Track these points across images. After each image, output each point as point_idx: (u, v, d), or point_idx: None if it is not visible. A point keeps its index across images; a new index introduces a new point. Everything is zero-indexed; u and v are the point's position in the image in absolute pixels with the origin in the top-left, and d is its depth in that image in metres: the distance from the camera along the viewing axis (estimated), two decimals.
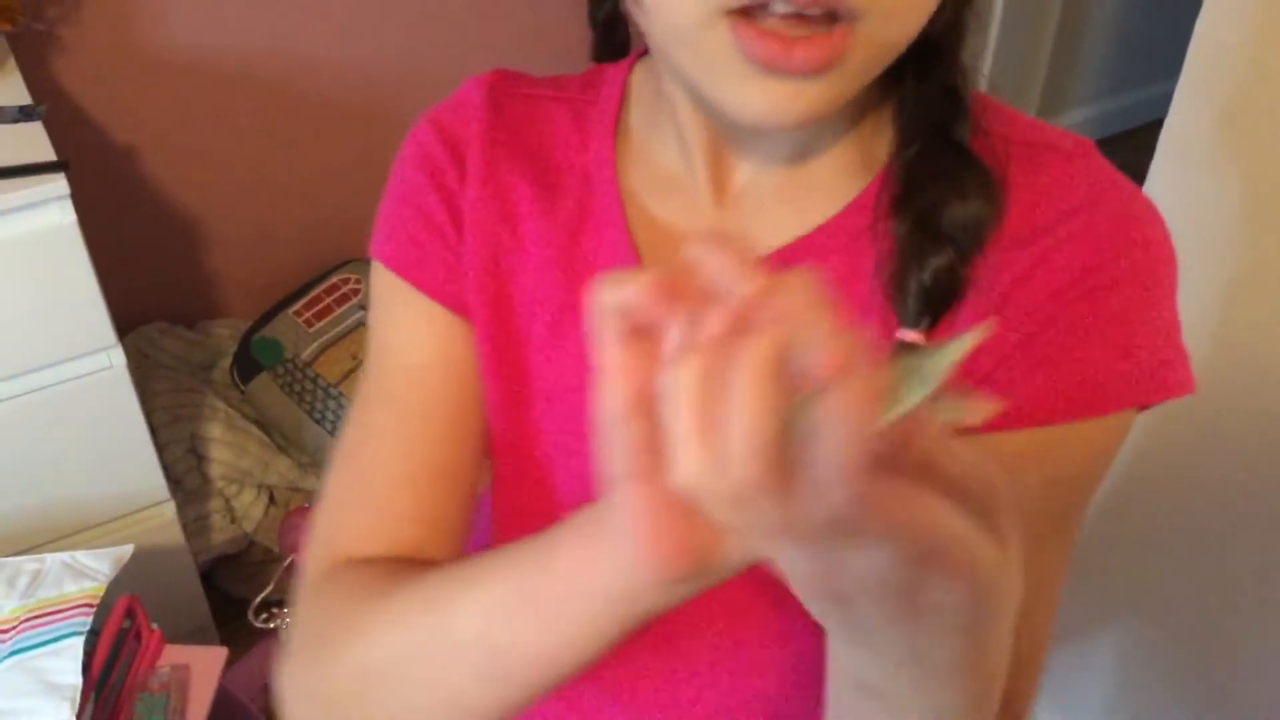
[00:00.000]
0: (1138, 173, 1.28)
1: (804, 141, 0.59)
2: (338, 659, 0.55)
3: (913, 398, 0.32)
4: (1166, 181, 1.17)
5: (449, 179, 0.65)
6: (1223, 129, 1.10)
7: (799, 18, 0.46)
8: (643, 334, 0.36)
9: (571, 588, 0.45)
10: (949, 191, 0.54)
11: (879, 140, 0.59)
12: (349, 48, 1.87)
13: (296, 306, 1.89)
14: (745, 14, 0.46)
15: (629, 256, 0.61)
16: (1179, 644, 1.39)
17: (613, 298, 0.36)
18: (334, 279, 1.92)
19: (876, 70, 0.51)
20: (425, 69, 1.91)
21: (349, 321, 1.87)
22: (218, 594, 1.72)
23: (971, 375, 0.55)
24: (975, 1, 0.56)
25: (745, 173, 0.60)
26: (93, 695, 1.04)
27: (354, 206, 1.99)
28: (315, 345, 1.83)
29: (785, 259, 0.58)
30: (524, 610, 0.47)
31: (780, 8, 0.46)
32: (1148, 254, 0.55)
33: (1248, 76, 1.05)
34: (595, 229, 0.63)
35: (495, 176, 0.65)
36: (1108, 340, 0.54)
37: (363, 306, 1.88)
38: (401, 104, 1.94)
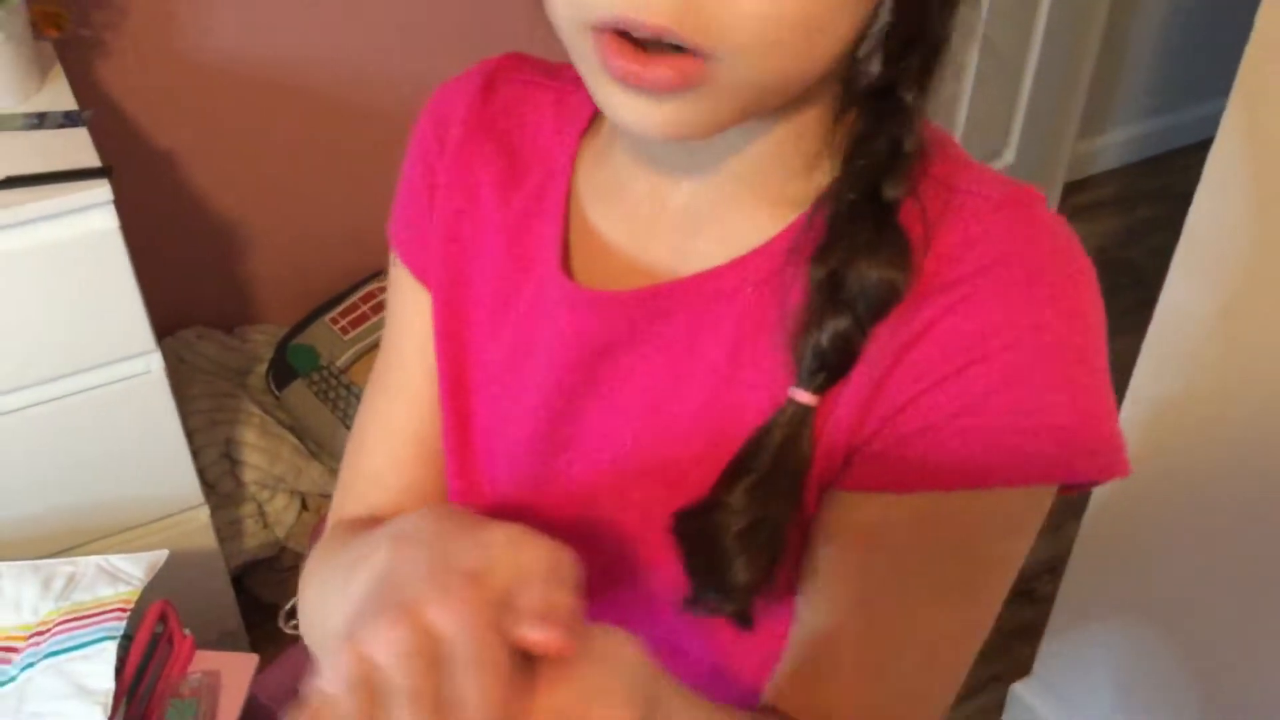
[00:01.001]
0: (1182, 195, 1.27)
1: (737, 166, 0.57)
2: (302, 612, 0.69)
3: None
4: (1214, 203, 1.16)
5: (432, 157, 0.68)
6: (1273, 150, 1.08)
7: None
8: None
9: None
10: (861, 255, 0.52)
11: (817, 174, 0.57)
12: (391, 58, 1.87)
13: (333, 314, 1.89)
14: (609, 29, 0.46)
15: (555, 260, 0.62)
16: (1182, 644, 1.38)
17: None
18: (370, 287, 1.93)
19: (754, 103, 0.50)
20: None
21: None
22: (248, 599, 1.72)
23: (861, 431, 0.54)
24: (938, 52, 0.53)
25: (683, 191, 0.59)
26: (124, 700, 1.05)
27: None
28: (350, 353, 1.84)
29: (703, 285, 0.58)
30: None
31: (634, 34, 0.45)
32: (1067, 324, 0.52)
33: None
34: (539, 224, 0.64)
35: (469, 158, 0.66)
36: (1007, 408, 0.51)
37: None
38: None
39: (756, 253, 0.57)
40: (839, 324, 0.52)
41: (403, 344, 0.70)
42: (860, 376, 0.53)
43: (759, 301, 0.56)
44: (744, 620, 0.57)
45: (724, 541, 0.54)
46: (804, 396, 0.53)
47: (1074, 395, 0.51)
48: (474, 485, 0.69)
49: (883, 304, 0.52)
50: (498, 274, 0.65)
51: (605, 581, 0.63)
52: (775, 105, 0.52)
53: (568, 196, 0.63)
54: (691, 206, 0.59)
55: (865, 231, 0.52)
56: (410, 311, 0.70)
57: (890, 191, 0.53)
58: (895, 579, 0.55)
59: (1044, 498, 0.55)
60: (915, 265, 0.52)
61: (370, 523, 0.68)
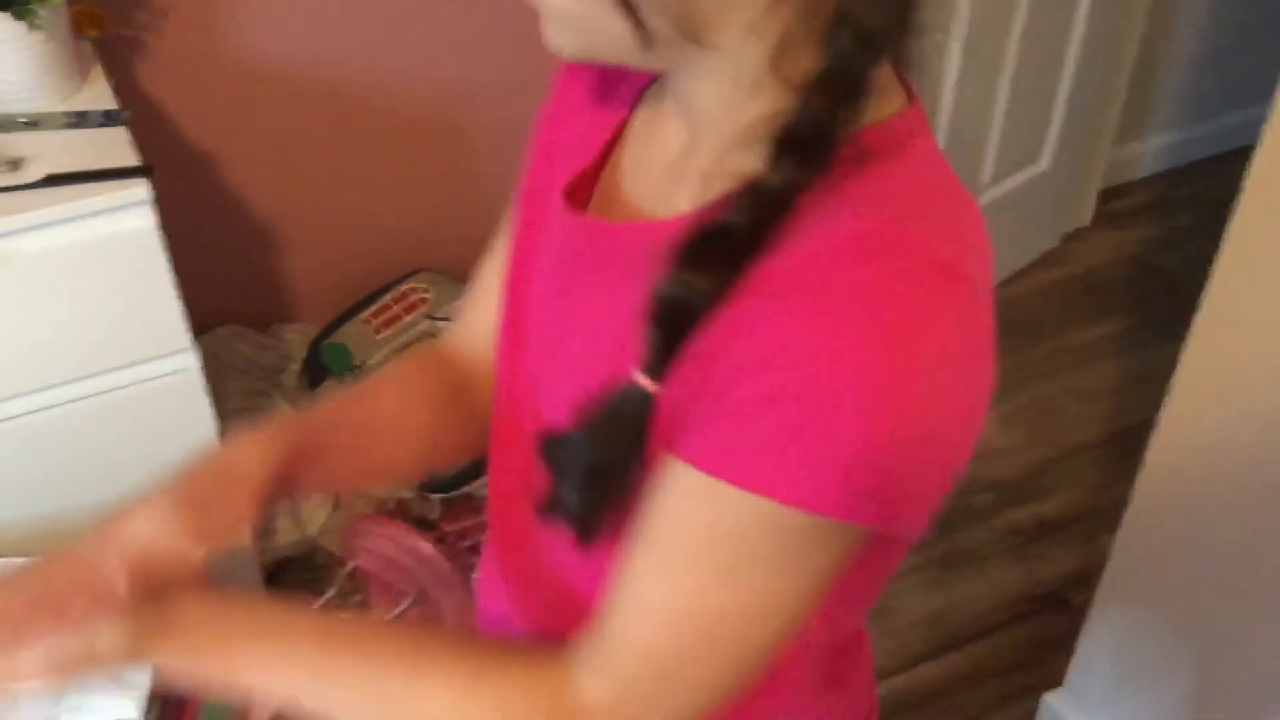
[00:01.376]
0: (1220, 202, 1.25)
1: (688, 125, 0.61)
2: None
3: None
4: (1258, 210, 1.15)
5: (561, 64, 0.73)
6: None
7: None
8: None
9: None
10: (692, 262, 0.53)
11: (747, 156, 0.55)
12: (429, 63, 1.88)
13: (366, 313, 1.90)
14: None
15: (567, 178, 0.67)
16: (1217, 656, 1.37)
17: None
18: (403, 287, 1.93)
19: (592, 39, 0.56)
20: (500, 86, 1.92)
21: (416, 330, 1.89)
22: (280, 596, 1.73)
23: (682, 402, 0.55)
24: (857, 89, 0.52)
25: (668, 140, 0.62)
26: (160, 695, 1.06)
27: (427, 217, 2.00)
28: (383, 352, 1.85)
29: (632, 237, 0.61)
30: None
31: None
32: (881, 360, 0.50)
33: None
34: (590, 144, 0.68)
35: (583, 71, 0.71)
36: (783, 424, 0.51)
37: (430, 316, 1.90)
38: (477, 120, 1.95)
39: (672, 221, 0.58)
40: (660, 327, 0.54)
41: (504, 229, 0.77)
42: (692, 354, 0.55)
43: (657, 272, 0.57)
44: (583, 535, 0.61)
45: (571, 468, 0.60)
46: (643, 380, 0.56)
47: (869, 433, 0.50)
48: (516, 360, 0.72)
49: (684, 318, 0.54)
50: (565, 176, 0.69)
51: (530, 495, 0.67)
52: (613, 50, 0.56)
53: (623, 125, 0.67)
54: (672, 158, 0.62)
55: (711, 238, 0.53)
56: (517, 196, 0.76)
57: (760, 214, 0.52)
58: (668, 543, 0.57)
59: (816, 530, 0.54)
60: (737, 278, 0.53)
61: (444, 361, 0.83)
